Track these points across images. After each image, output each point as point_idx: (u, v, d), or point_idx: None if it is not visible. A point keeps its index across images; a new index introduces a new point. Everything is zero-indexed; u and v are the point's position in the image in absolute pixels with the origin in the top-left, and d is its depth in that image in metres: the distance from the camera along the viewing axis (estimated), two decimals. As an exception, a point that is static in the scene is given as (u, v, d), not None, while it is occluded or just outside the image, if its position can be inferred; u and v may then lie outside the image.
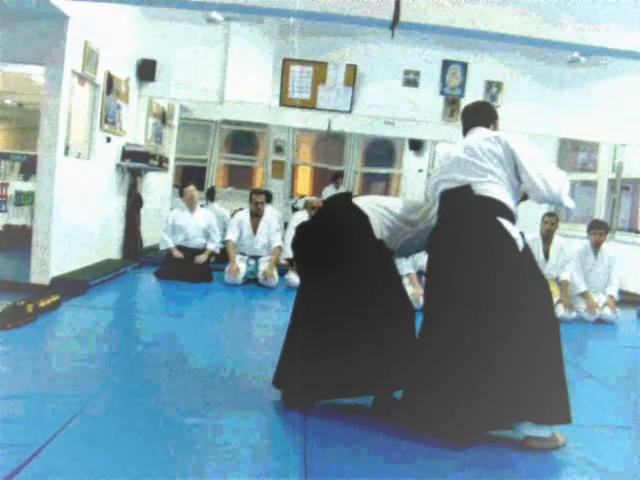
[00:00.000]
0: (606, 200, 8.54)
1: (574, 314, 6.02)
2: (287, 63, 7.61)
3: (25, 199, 8.04)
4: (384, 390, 2.98)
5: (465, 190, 2.84)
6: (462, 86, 7.75)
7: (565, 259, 6.19)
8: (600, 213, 8.42)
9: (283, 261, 6.88)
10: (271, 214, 6.97)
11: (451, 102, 7.75)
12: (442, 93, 7.76)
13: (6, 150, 9.74)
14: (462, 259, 2.77)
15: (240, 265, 6.54)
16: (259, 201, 6.72)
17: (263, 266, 6.64)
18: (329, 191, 10.50)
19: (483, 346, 2.65)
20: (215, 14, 7.28)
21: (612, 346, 5.48)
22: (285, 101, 7.69)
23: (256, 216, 6.76)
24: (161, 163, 7.58)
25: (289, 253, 6.36)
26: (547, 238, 6.21)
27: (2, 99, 10.07)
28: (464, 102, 7.40)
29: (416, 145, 11.34)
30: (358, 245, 2.98)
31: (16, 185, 8.16)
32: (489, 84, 7.78)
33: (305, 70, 7.61)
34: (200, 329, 4.59)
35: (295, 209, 8.62)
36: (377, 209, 3.06)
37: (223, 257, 6.86)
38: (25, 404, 2.76)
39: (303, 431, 2.72)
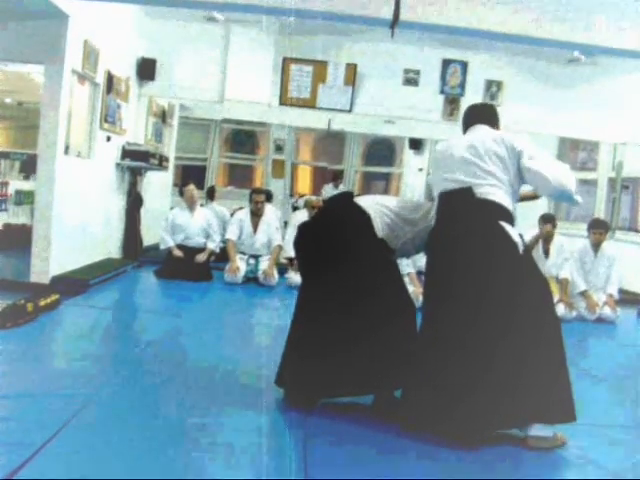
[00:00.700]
0: (606, 199, 8.54)
1: (574, 313, 6.02)
2: (287, 62, 7.61)
3: (25, 198, 8.04)
4: (384, 389, 2.99)
5: (466, 192, 2.83)
6: (462, 85, 7.74)
7: (565, 257, 6.19)
8: (600, 212, 8.43)
9: (283, 260, 6.88)
10: (271, 213, 6.97)
11: (451, 101, 7.75)
12: (442, 92, 7.76)
13: (6, 149, 9.74)
14: (463, 260, 2.77)
15: (240, 264, 6.54)
16: (259, 200, 6.72)
17: (263, 265, 6.64)
18: (328, 190, 10.50)
19: (484, 346, 2.65)
20: (215, 13, 7.27)
21: (612, 345, 5.49)
22: (285, 100, 7.68)
23: (256, 215, 6.76)
24: (161, 162, 7.58)
25: (289, 252, 6.36)
26: (547, 238, 6.22)
27: (2, 98, 10.06)
28: (464, 101, 7.42)
29: (416, 144, 11.35)
30: (360, 244, 2.98)
31: (16, 184, 8.16)
32: (489, 83, 7.77)
33: (305, 69, 7.61)
34: (200, 328, 4.59)
35: (295, 208, 8.63)
36: (378, 208, 3.06)
37: (223, 256, 6.85)
38: (25, 403, 2.76)
39: (303, 430, 2.72)
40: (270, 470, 2.36)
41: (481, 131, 2.99)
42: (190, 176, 9.58)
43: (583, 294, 6.13)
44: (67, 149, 5.57)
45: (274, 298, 6.10)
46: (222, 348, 4.12)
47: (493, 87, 7.78)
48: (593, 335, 5.70)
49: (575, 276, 6.17)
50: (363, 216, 3.01)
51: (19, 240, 6.87)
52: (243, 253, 6.72)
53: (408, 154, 11.99)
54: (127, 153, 6.92)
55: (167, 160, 8.18)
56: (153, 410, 2.86)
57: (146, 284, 6.50)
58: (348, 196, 3.30)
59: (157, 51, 7.39)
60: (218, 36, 7.63)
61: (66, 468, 2.20)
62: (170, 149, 9.19)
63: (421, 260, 5.38)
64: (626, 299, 6.72)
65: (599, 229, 6.23)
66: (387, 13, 4.51)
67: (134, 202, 7.26)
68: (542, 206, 8.09)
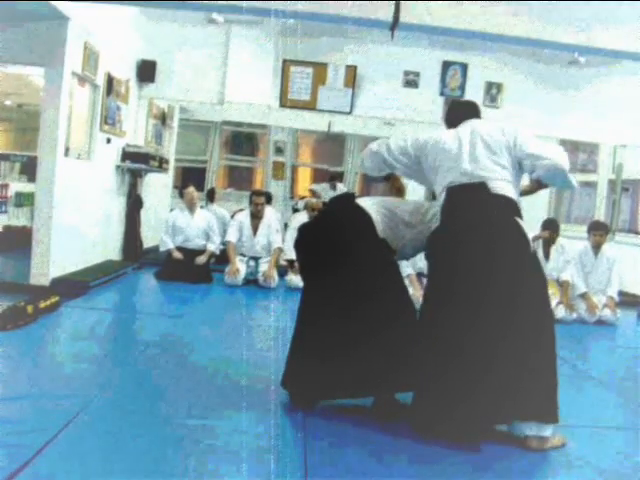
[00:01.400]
0: (606, 201, 8.54)
1: (574, 315, 6.02)
2: (287, 64, 7.62)
3: (25, 200, 8.03)
4: (385, 391, 2.98)
5: (480, 187, 2.79)
6: (462, 87, 7.75)
7: (566, 259, 6.19)
8: (600, 214, 8.42)
9: (283, 262, 6.88)
10: (271, 215, 6.97)
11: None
12: (442, 94, 7.76)
13: (6, 151, 9.74)
14: (475, 256, 2.72)
15: (240, 266, 6.54)
16: (259, 202, 6.71)
17: (263, 267, 6.64)
18: (326, 188, 10.46)
19: (484, 346, 2.65)
20: (215, 15, 7.28)
21: (612, 347, 5.49)
22: (285, 102, 7.69)
23: (256, 217, 6.76)
24: (161, 164, 7.58)
25: (289, 254, 6.36)
26: (548, 242, 6.21)
27: (2, 100, 10.06)
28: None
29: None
30: (361, 246, 2.97)
31: (16, 186, 8.16)
32: (489, 85, 7.78)
33: (305, 71, 7.62)
34: (200, 330, 4.59)
35: (295, 210, 8.61)
36: (379, 209, 3.06)
37: (223, 258, 6.85)
38: (25, 405, 2.76)
39: (303, 431, 2.72)
40: (270, 471, 2.36)
41: (479, 123, 2.96)
42: (190, 178, 9.56)
43: (583, 296, 6.13)
44: (67, 151, 5.57)
45: (274, 300, 6.09)
46: (222, 350, 4.11)
47: (493, 89, 7.79)
48: (593, 337, 5.70)
49: (575, 278, 6.16)
50: (364, 217, 3.01)
51: (19, 242, 6.85)
52: (243, 255, 6.72)
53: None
54: (127, 155, 6.92)
55: (167, 162, 8.19)
56: (153, 411, 2.85)
57: (146, 286, 6.50)
58: (349, 197, 3.30)
59: (157, 53, 7.40)
60: (218, 38, 7.64)
61: (66, 470, 2.20)
62: (170, 151, 9.19)
63: (421, 262, 5.40)
64: (626, 301, 6.71)
65: (599, 231, 6.23)
66: (387, 15, 4.52)
67: (134, 204, 7.26)
68: (542, 206, 8.11)
